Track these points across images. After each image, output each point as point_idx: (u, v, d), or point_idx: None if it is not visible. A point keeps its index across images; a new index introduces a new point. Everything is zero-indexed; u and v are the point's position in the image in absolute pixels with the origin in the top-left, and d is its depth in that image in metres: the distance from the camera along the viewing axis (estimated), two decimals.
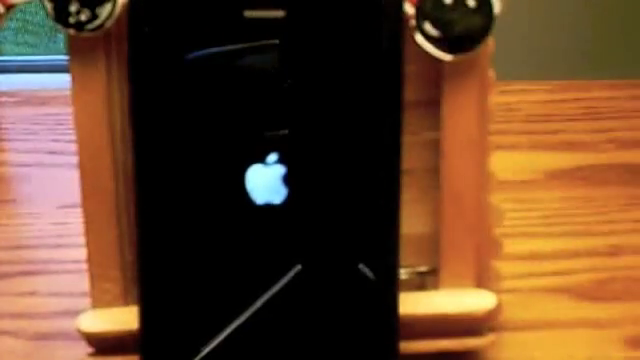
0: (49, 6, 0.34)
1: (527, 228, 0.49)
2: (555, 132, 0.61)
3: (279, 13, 0.33)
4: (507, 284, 0.40)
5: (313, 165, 0.34)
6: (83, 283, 0.37)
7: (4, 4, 0.35)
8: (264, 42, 0.33)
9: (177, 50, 0.33)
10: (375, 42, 0.33)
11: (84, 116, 0.36)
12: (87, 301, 0.37)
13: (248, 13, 0.33)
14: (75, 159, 0.36)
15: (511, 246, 0.40)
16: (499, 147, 0.39)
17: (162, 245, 0.34)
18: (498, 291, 0.38)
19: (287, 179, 0.34)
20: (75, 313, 0.37)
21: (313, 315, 0.34)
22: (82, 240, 0.37)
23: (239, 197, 0.34)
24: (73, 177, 0.37)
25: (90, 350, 0.37)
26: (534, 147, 0.59)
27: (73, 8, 0.34)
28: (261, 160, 0.34)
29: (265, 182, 0.34)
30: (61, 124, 0.63)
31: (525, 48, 1.47)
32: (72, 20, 0.34)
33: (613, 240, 0.48)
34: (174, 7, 0.33)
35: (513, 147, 0.59)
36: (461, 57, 0.35)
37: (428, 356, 0.37)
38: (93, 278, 0.37)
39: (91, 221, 0.36)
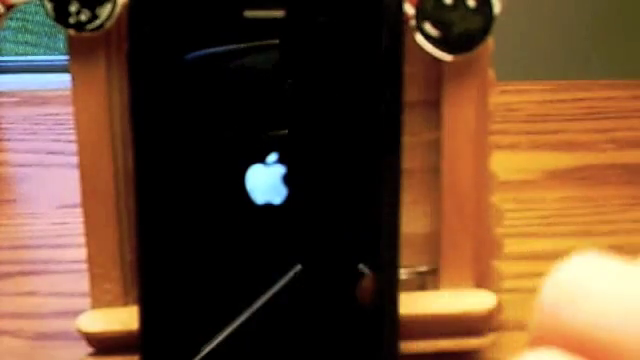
0: (49, 6, 0.34)
1: (527, 228, 0.49)
2: (555, 132, 0.61)
3: (279, 13, 0.33)
4: (507, 284, 0.40)
5: (313, 165, 0.34)
6: (83, 283, 0.37)
7: (4, 4, 0.35)
8: (264, 42, 0.33)
9: (177, 50, 0.33)
10: (375, 42, 0.33)
11: (84, 116, 0.36)
12: (87, 301, 0.37)
13: (248, 13, 0.33)
14: (75, 159, 0.36)
15: (511, 246, 0.40)
16: (499, 147, 0.39)
17: (162, 245, 0.34)
18: (498, 291, 0.38)
19: (287, 179, 0.34)
20: (75, 313, 0.37)
21: (313, 315, 0.34)
22: (82, 240, 0.37)
23: (239, 197, 0.34)
24: (73, 177, 0.37)
25: (90, 350, 0.37)
26: (534, 147, 0.59)
27: (73, 8, 0.34)
28: (261, 160, 0.34)
29: (265, 182, 0.34)
30: (61, 124, 0.63)
31: (525, 48, 1.47)
32: (72, 20, 0.34)
33: (613, 240, 0.48)
34: (174, 7, 0.33)
35: (513, 147, 0.59)
36: (461, 57, 0.35)
37: (428, 356, 0.37)
38: (93, 278, 0.37)
39: (91, 221, 0.36)
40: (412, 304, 0.36)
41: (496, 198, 0.38)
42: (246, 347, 0.34)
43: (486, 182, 0.38)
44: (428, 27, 0.35)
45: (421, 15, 0.35)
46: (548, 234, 0.49)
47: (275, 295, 0.34)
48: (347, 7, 0.33)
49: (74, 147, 0.36)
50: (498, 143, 0.38)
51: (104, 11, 0.34)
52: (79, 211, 0.36)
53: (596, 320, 0.18)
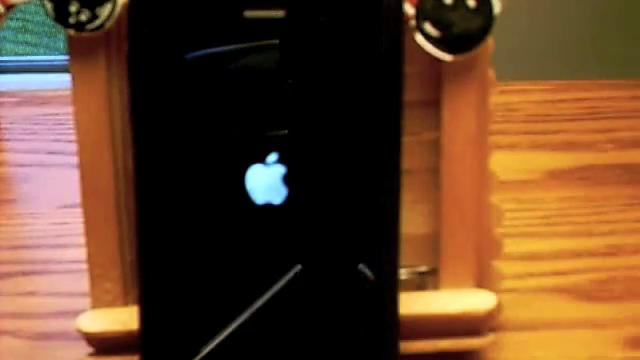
0: (49, 6, 0.34)
1: (527, 228, 0.49)
2: (555, 132, 0.61)
3: (279, 13, 0.33)
4: (507, 284, 0.40)
5: (313, 165, 0.34)
6: (83, 283, 0.37)
7: (4, 4, 0.35)
8: (264, 42, 0.33)
9: (177, 50, 0.33)
10: (375, 42, 0.33)
11: (84, 116, 0.36)
12: (87, 301, 0.37)
13: (248, 13, 0.33)
14: (75, 159, 0.36)
15: (511, 246, 0.40)
16: (499, 147, 0.39)
17: (162, 245, 0.34)
18: (498, 291, 0.38)
19: (287, 179, 0.34)
20: (75, 313, 0.37)
21: (313, 315, 0.34)
22: (82, 240, 0.37)
23: (239, 197, 0.34)
24: (73, 177, 0.37)
25: (90, 350, 0.37)
26: (534, 147, 0.59)
27: (73, 8, 0.34)
28: (261, 160, 0.34)
29: (265, 182, 0.34)
30: (61, 124, 0.63)
31: (525, 48, 1.47)
32: (72, 20, 0.34)
33: (613, 240, 0.48)
34: (174, 7, 0.33)
35: (513, 147, 0.59)
36: (461, 57, 0.35)
37: (428, 356, 0.37)
38: (93, 278, 0.37)
39: (91, 221, 0.36)
40: (412, 304, 0.36)
41: (496, 198, 0.38)
42: (246, 347, 0.34)
43: (486, 182, 0.38)
44: (428, 27, 0.35)
45: (421, 15, 0.35)
46: (548, 234, 0.49)
47: (275, 295, 0.34)
48: (347, 7, 0.33)
49: (74, 147, 0.36)
50: (498, 143, 0.38)
51: (104, 11, 0.34)
52: (79, 211, 0.36)
53: None
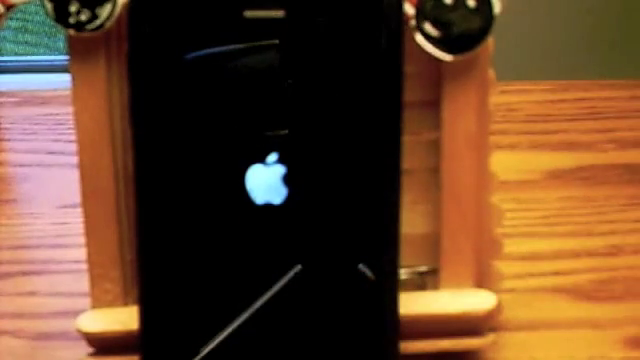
0: (49, 6, 0.34)
1: (527, 228, 0.49)
2: (555, 132, 0.61)
3: (279, 13, 0.33)
4: (507, 284, 0.40)
5: (313, 165, 0.34)
6: (83, 283, 0.37)
7: (4, 4, 0.35)
8: (264, 42, 0.33)
9: (177, 50, 0.33)
10: (375, 42, 0.33)
11: (84, 116, 0.36)
12: (87, 301, 0.37)
13: (248, 13, 0.33)
14: (75, 159, 0.36)
15: (511, 246, 0.40)
16: (499, 147, 0.39)
17: (162, 245, 0.34)
18: (498, 291, 0.38)
19: (287, 179, 0.34)
20: (75, 313, 0.37)
21: (313, 315, 0.34)
22: (82, 240, 0.37)
23: (239, 197, 0.34)
24: (73, 177, 0.37)
25: (90, 350, 0.37)
26: (534, 147, 0.59)
27: (73, 8, 0.34)
28: (261, 160, 0.34)
29: (265, 182, 0.34)
30: (61, 124, 0.63)
31: (525, 48, 1.47)
32: (72, 20, 0.34)
33: (613, 240, 0.48)
34: (174, 7, 0.33)
35: (513, 147, 0.59)
36: (461, 57, 0.35)
37: (428, 356, 0.37)
38: (93, 278, 0.37)
39: (91, 221, 0.36)
40: (412, 304, 0.36)
41: (496, 198, 0.38)
42: (246, 347, 0.34)
43: (486, 182, 0.38)
44: (428, 27, 0.35)
45: (421, 15, 0.35)
46: (548, 234, 0.49)
47: (275, 295, 0.34)
48: (347, 7, 0.33)
49: (74, 147, 0.36)
50: (498, 143, 0.38)
51: (104, 11, 0.34)
52: (79, 211, 0.36)
53: None
